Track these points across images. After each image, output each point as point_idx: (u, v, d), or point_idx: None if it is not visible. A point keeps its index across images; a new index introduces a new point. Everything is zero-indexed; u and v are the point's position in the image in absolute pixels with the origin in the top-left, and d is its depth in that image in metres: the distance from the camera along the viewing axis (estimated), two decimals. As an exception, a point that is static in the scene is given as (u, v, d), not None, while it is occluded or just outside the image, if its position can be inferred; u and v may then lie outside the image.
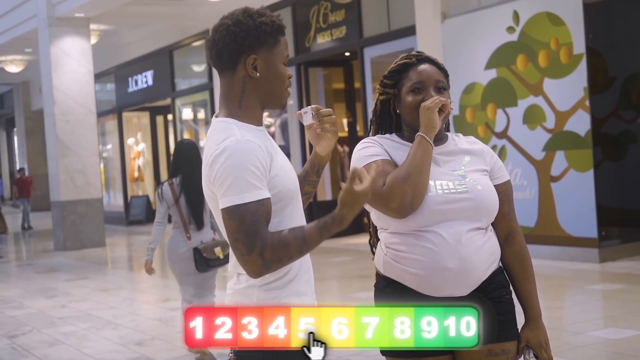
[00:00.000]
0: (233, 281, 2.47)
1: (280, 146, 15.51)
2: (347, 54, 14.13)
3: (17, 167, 23.15)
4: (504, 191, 2.78)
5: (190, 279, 6.47)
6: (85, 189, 15.98)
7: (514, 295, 2.78)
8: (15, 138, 32.90)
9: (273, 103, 2.50)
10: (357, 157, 2.75)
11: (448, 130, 2.92)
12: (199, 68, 18.50)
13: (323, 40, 14.00)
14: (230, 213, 2.30)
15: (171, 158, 6.94)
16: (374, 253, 2.92)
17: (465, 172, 2.73)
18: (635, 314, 6.83)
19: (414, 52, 2.86)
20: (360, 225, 12.79)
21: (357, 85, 14.39)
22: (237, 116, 2.44)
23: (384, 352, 2.65)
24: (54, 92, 15.79)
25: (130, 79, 21.40)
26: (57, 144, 15.78)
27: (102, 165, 20.24)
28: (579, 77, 9.39)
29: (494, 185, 2.76)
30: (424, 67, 2.78)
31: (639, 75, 10.32)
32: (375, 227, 2.87)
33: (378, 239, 2.85)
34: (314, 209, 13.55)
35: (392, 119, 2.87)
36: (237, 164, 2.30)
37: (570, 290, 8.33)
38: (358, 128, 14.98)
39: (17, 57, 22.78)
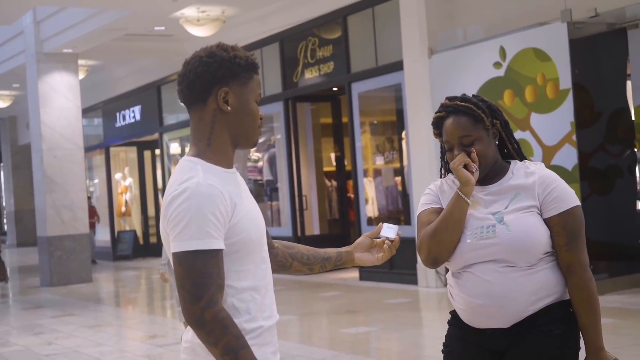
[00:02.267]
0: (191, 334, 2.33)
1: (268, 181, 15.60)
2: (335, 89, 14.20)
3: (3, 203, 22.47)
4: (558, 222, 2.80)
5: None
6: (72, 224, 15.91)
7: None
8: (2, 173, 32.79)
9: (244, 141, 2.41)
10: (421, 200, 3.03)
11: (517, 156, 2.96)
12: (187, 103, 18.50)
13: (311, 76, 14.06)
14: (180, 259, 2.21)
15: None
16: None
17: (504, 214, 2.81)
18: (626, 349, 6.82)
19: (446, 102, 2.93)
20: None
21: (344, 119, 14.45)
22: (205, 156, 2.35)
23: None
24: (41, 127, 15.77)
25: (117, 114, 21.41)
26: (45, 179, 15.73)
27: (89, 201, 20.16)
28: (566, 112, 9.45)
29: (547, 218, 2.80)
30: (448, 123, 2.89)
31: (625, 110, 10.38)
32: None
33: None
34: (302, 242, 13.50)
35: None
36: (195, 209, 2.21)
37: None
38: (346, 162, 15.02)
39: (4, 92, 22.80)
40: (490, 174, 2.88)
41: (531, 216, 2.79)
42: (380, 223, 2.77)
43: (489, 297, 2.77)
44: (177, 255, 2.22)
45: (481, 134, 2.84)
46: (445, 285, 3.11)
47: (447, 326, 3.01)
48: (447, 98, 2.93)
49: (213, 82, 2.34)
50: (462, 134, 2.83)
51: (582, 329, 2.82)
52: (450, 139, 2.86)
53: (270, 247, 2.64)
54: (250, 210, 2.37)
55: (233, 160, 2.43)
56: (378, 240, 2.76)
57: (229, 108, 2.36)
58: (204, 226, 2.20)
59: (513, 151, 2.94)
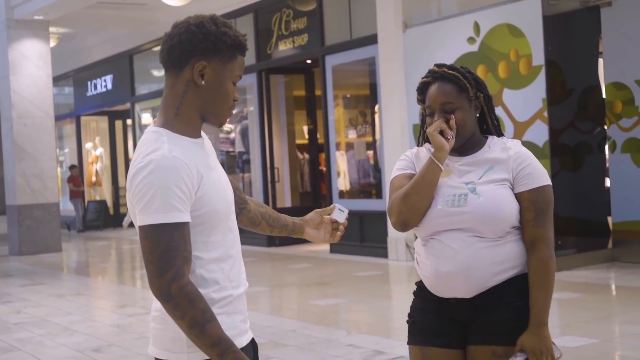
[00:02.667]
0: (160, 303, 2.29)
1: (240, 152, 15.57)
2: (308, 61, 14.16)
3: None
4: (529, 198, 2.81)
5: None
6: (42, 193, 15.80)
7: None
8: (-29, 141, 32.43)
9: (211, 118, 2.37)
10: (395, 167, 3.03)
11: (495, 132, 2.98)
12: (159, 73, 18.40)
13: (284, 48, 14.02)
14: (145, 232, 2.20)
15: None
16: None
17: (478, 184, 2.83)
18: (591, 323, 6.92)
19: (434, 68, 2.94)
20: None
21: (318, 92, 14.42)
22: (172, 126, 2.31)
23: (409, 339, 2.97)
24: (11, 95, 15.60)
25: (89, 83, 21.23)
26: (14, 147, 15.59)
27: (58, 170, 20.02)
28: (538, 88, 9.50)
29: (518, 193, 2.82)
30: (433, 88, 2.89)
31: (596, 87, 10.48)
32: None
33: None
34: (273, 216, 13.52)
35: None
36: (159, 181, 2.18)
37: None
38: (318, 135, 15.01)
39: (-27, 59, 22.47)
40: (467, 146, 2.90)
41: (503, 189, 2.82)
42: (334, 204, 2.87)
43: (455, 265, 2.78)
44: (143, 229, 2.20)
45: (463, 103, 2.86)
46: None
47: None
48: (436, 65, 2.94)
49: (193, 53, 2.30)
50: (445, 100, 2.84)
51: (531, 302, 2.81)
52: (433, 104, 2.86)
53: (244, 202, 2.71)
54: (217, 181, 2.35)
55: (200, 130, 2.39)
56: (326, 218, 2.86)
57: (202, 82, 2.32)
58: (169, 199, 2.17)
59: (492, 127, 2.96)
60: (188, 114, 2.34)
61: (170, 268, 2.17)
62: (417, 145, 3.08)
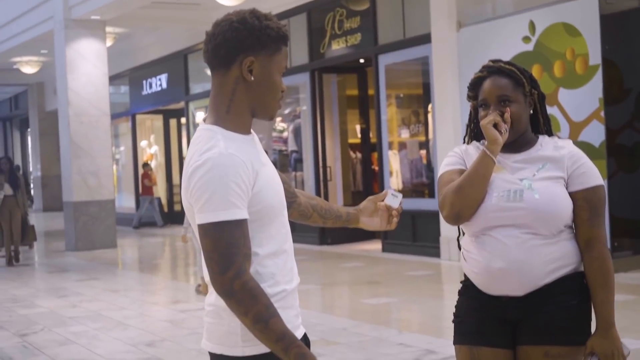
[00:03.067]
0: (214, 297, 2.34)
1: (293, 151, 15.62)
2: (361, 60, 14.15)
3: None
4: (584, 197, 2.79)
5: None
6: (98, 190, 16.02)
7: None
8: (29, 138, 33.02)
9: (262, 112, 2.39)
10: (444, 163, 2.99)
11: (546, 131, 2.96)
12: (214, 72, 18.51)
13: (338, 47, 14.02)
14: (206, 230, 2.21)
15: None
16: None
17: (533, 181, 2.79)
18: (647, 326, 6.81)
19: (489, 63, 2.92)
20: (371, 231, 12.79)
21: (370, 92, 14.40)
22: (224, 123, 2.32)
23: (455, 338, 2.95)
24: (68, 93, 15.84)
25: (144, 82, 21.47)
26: (71, 145, 15.83)
27: (114, 167, 20.28)
28: (594, 88, 9.38)
29: (573, 192, 2.80)
30: (488, 82, 2.86)
31: (655, 87, 10.31)
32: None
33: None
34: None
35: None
36: (218, 179, 2.19)
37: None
38: (371, 135, 14.99)
39: (32, 59, 22.88)
40: (520, 142, 2.87)
41: (559, 186, 2.79)
42: (386, 190, 2.85)
43: (509, 261, 2.74)
44: (203, 227, 2.21)
45: (519, 98, 2.84)
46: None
47: None
48: (491, 60, 2.93)
49: (240, 49, 2.30)
50: (501, 93, 2.82)
51: (595, 304, 2.79)
52: (488, 96, 2.84)
53: (294, 196, 2.71)
54: (271, 177, 2.37)
55: (250, 127, 2.40)
56: (380, 204, 2.85)
57: (252, 78, 2.32)
58: (228, 196, 2.18)
59: (544, 125, 2.94)
60: (239, 111, 2.35)
61: (232, 265, 2.18)
62: (464, 143, 3.05)
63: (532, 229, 2.75)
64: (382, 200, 2.85)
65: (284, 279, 2.36)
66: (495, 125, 2.79)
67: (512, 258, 2.74)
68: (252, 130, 2.43)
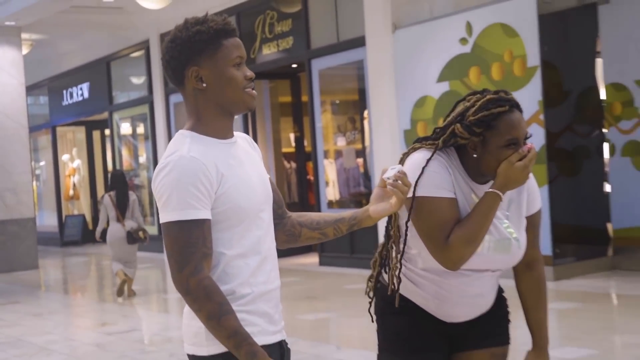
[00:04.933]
0: None
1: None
2: (294, 65, 14.18)
3: None
4: (531, 221, 2.89)
5: (121, 253, 10.93)
6: (16, 208, 15.79)
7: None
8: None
9: (234, 108, 2.50)
10: (431, 178, 2.72)
11: None
12: (139, 80, 18.41)
13: (269, 52, 14.06)
14: (165, 229, 2.37)
15: (109, 180, 11.71)
16: (383, 266, 2.99)
17: (511, 226, 2.80)
18: (591, 333, 6.96)
19: (506, 96, 2.76)
20: (308, 246, 12.81)
21: (304, 98, 14.46)
22: (197, 129, 2.47)
23: (380, 349, 2.99)
24: (-18, 105, 15.60)
25: (64, 92, 21.21)
26: (-14, 160, 15.59)
27: (34, 184, 19.99)
28: (534, 91, 9.56)
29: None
30: (515, 118, 2.72)
31: (594, 89, 10.55)
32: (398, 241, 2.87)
33: (397, 253, 2.86)
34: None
35: (460, 154, 2.80)
36: (176, 181, 2.34)
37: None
38: (306, 143, 15.04)
39: (-58, 68, 22.42)
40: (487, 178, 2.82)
41: (525, 223, 2.89)
42: (384, 167, 2.67)
43: (479, 298, 2.88)
44: (163, 226, 2.37)
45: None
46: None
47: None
48: (502, 91, 2.78)
49: (182, 65, 2.46)
50: (527, 132, 2.73)
51: (531, 324, 2.98)
52: (519, 135, 2.70)
53: (282, 216, 2.74)
54: (244, 180, 2.46)
55: (230, 130, 2.52)
56: (389, 182, 2.63)
57: (204, 85, 2.46)
58: (186, 197, 2.33)
59: None
60: (209, 116, 2.48)
61: (189, 263, 2.32)
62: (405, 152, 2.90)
63: (501, 270, 2.88)
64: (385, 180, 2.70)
65: (255, 281, 2.46)
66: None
67: (481, 298, 2.89)
68: (241, 135, 2.58)
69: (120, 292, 11.12)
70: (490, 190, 2.68)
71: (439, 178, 2.71)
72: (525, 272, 2.93)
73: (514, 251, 2.79)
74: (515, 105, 2.75)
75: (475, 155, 2.73)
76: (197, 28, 2.44)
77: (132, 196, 11.24)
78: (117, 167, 18.87)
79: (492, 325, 2.96)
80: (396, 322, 2.93)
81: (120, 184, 11.19)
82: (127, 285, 11.10)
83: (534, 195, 2.89)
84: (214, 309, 2.30)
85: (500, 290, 3.00)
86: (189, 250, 2.32)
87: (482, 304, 2.90)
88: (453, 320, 2.90)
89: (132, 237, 10.89)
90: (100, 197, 12.01)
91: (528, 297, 2.95)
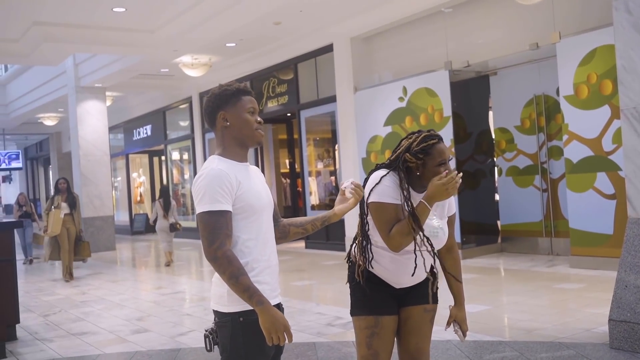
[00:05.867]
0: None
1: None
2: (288, 114, 14.17)
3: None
4: (450, 219, 2.92)
5: (166, 237, 11.79)
6: (101, 209, 15.66)
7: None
8: (51, 172, 32.01)
9: (248, 142, 2.46)
10: (382, 189, 2.73)
11: None
12: (184, 123, 18.33)
13: (272, 105, 14.03)
14: (200, 218, 2.32)
15: (160, 192, 12.02)
16: (353, 253, 2.97)
17: (437, 219, 2.82)
18: (485, 295, 6.95)
19: (434, 133, 2.80)
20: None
21: (295, 136, 14.43)
22: (223, 154, 2.45)
23: (351, 306, 2.90)
24: (79, 140, 15.49)
25: (134, 131, 21.08)
26: (81, 177, 15.46)
27: (113, 192, 19.80)
28: (448, 132, 9.58)
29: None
30: (442, 145, 2.76)
31: (488, 131, 10.57)
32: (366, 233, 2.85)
33: (366, 242, 2.85)
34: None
35: (408, 173, 2.79)
36: (208, 184, 2.31)
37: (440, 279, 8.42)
38: (296, 166, 14.99)
39: (52, 114, 22.26)
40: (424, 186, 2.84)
41: (446, 218, 2.91)
42: (341, 182, 2.81)
43: (421, 270, 2.85)
44: (198, 216, 2.33)
45: None
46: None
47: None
48: (428, 130, 2.82)
49: (215, 111, 2.46)
50: (449, 155, 2.79)
51: (454, 289, 2.97)
52: (445, 157, 2.74)
53: (277, 220, 2.68)
54: (254, 188, 2.43)
55: (245, 157, 2.48)
56: (347, 191, 2.74)
57: (227, 124, 2.45)
58: (214, 195, 2.30)
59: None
60: (230, 147, 2.46)
61: (216, 240, 2.28)
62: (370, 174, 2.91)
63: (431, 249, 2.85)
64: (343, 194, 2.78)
65: (261, 258, 2.42)
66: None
67: (421, 269, 2.85)
68: (248, 162, 2.51)
69: (167, 263, 11.93)
70: (420, 200, 2.69)
71: (388, 190, 2.72)
72: (447, 254, 2.94)
73: (440, 237, 2.80)
74: (441, 139, 2.80)
75: (418, 174, 2.75)
76: (226, 87, 2.46)
77: (172, 202, 11.85)
78: (169, 183, 18.79)
79: (425, 289, 2.92)
80: (362, 287, 2.89)
81: (165, 195, 11.81)
82: (169, 257, 12.00)
83: (451, 203, 2.92)
84: (233, 271, 2.25)
85: (432, 267, 2.96)
86: (216, 232, 2.28)
87: (420, 274, 2.86)
88: (401, 286, 2.87)
89: (173, 227, 11.70)
90: (154, 202, 12.66)
91: (453, 272, 2.94)
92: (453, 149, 9.50)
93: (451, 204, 2.93)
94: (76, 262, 12.19)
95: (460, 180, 2.69)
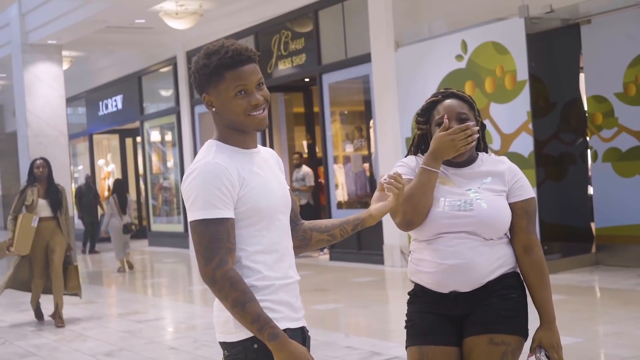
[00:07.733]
0: None
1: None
2: (306, 79, 14.18)
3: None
4: (522, 207, 2.96)
5: (120, 240, 13.20)
6: (57, 207, 15.77)
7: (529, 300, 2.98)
8: (-11, 159, 32.44)
9: (242, 128, 2.50)
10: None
11: (483, 150, 3.08)
12: (167, 93, 18.43)
13: (284, 67, 14.05)
14: (192, 227, 2.37)
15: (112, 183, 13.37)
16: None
17: (479, 192, 2.92)
18: (575, 323, 6.92)
19: (442, 90, 3.03)
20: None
21: (316, 109, 14.44)
22: (222, 138, 2.50)
23: (408, 341, 2.99)
24: (27, 115, 15.60)
25: (100, 103, 21.25)
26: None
27: (73, 186, 19.98)
28: (523, 102, 9.53)
29: (513, 202, 2.96)
30: (447, 102, 2.96)
31: (578, 100, 10.50)
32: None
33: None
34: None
35: (427, 146, 3.03)
36: (201, 184, 2.35)
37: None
38: (317, 149, 15.02)
39: (-9, 82, 22.52)
40: (465, 160, 2.99)
41: (502, 199, 2.95)
42: (382, 173, 2.94)
43: (459, 259, 2.86)
44: (190, 225, 2.38)
45: (472, 118, 2.98)
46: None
47: None
48: (443, 89, 3.06)
49: (198, 90, 2.51)
50: (461, 111, 2.93)
51: (536, 302, 2.97)
52: (449, 112, 2.93)
53: (296, 223, 2.72)
54: (264, 184, 2.47)
55: (252, 141, 2.53)
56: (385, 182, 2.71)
57: (214, 109, 2.50)
58: (209, 199, 2.34)
59: (483, 145, 3.09)
60: (227, 132, 2.51)
61: (214, 257, 2.33)
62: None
63: (479, 234, 2.89)
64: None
65: (273, 275, 2.45)
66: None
67: (462, 257, 2.87)
68: (261, 147, 2.60)
69: (120, 270, 13.80)
70: (421, 166, 2.89)
71: (399, 170, 2.96)
72: (525, 256, 2.95)
73: (479, 210, 2.87)
74: (450, 95, 2.99)
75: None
76: (204, 62, 2.46)
77: (129, 198, 13.77)
78: (148, 171, 18.92)
79: (497, 309, 2.88)
80: (409, 309, 3.03)
81: (119, 189, 13.57)
82: (124, 264, 13.75)
83: (520, 183, 2.98)
84: (238, 297, 2.30)
85: (513, 279, 2.94)
86: (214, 246, 2.32)
87: (474, 270, 2.87)
88: (449, 290, 2.89)
89: (127, 229, 13.27)
90: (107, 199, 14.72)
91: (530, 278, 2.95)
92: (530, 125, 9.45)
93: (521, 184, 2.98)
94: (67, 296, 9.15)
95: (477, 134, 2.88)
